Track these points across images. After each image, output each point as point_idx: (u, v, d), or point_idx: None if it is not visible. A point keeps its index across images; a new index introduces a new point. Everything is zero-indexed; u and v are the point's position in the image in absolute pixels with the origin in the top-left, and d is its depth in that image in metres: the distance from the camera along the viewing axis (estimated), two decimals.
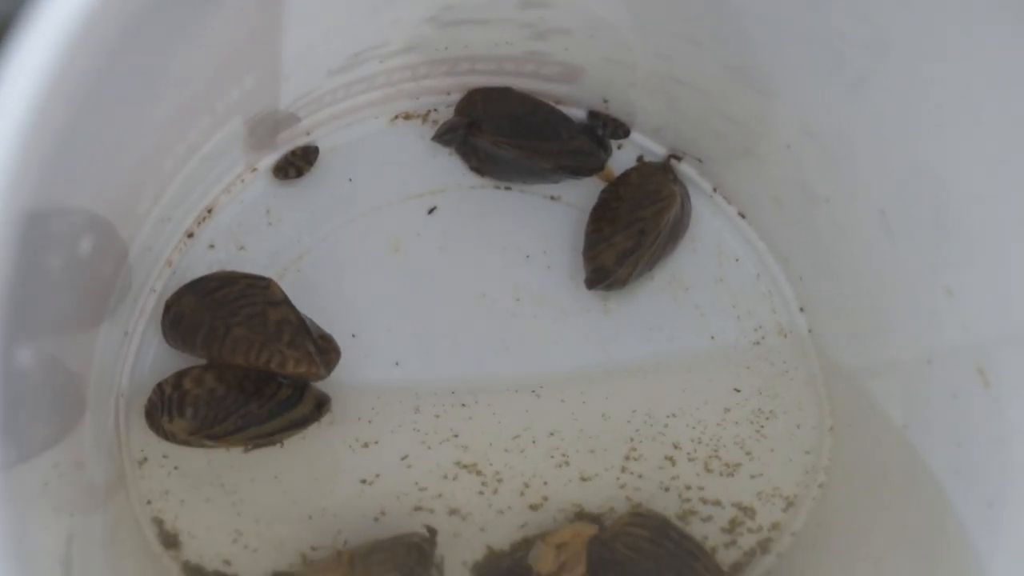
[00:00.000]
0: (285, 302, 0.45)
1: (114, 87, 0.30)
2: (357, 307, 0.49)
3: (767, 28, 0.39)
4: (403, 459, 0.48)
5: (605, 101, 0.49)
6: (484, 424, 0.49)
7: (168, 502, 0.47)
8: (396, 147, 0.50)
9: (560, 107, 0.50)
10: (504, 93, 0.49)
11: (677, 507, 0.49)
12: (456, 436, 0.49)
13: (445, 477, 0.49)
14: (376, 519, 0.48)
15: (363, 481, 0.48)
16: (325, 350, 0.46)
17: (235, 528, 0.48)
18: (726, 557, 0.50)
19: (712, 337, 0.50)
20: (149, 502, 0.47)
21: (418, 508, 0.48)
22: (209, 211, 0.48)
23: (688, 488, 0.49)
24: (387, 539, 0.47)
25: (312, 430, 0.48)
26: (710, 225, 0.51)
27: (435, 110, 0.50)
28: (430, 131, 0.49)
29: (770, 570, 0.50)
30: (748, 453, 0.50)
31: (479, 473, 0.49)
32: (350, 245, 0.49)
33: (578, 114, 0.50)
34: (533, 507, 0.49)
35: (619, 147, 0.51)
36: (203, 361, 0.46)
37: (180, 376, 0.46)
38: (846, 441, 0.49)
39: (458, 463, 0.49)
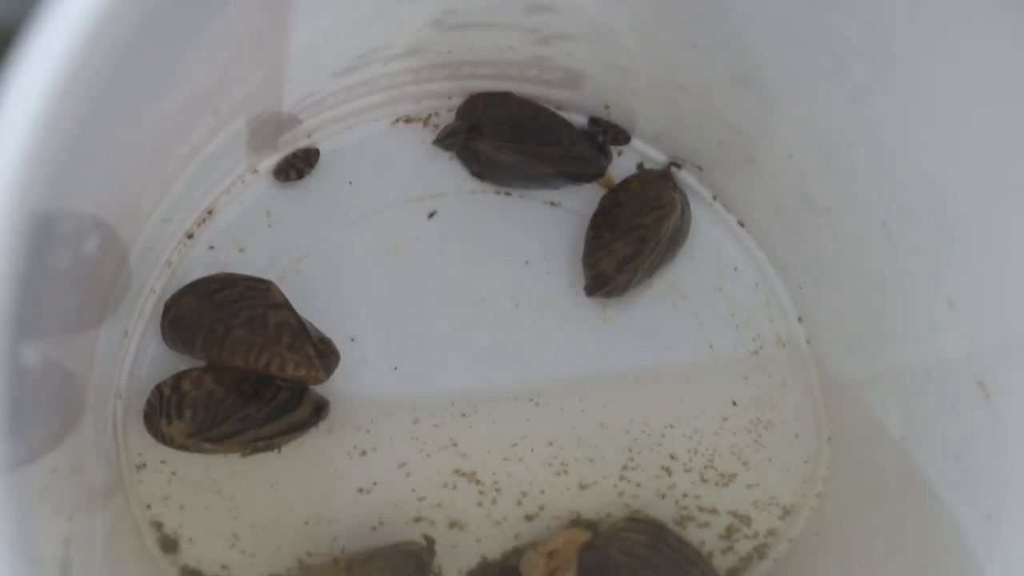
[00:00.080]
0: (285, 305, 0.45)
1: (124, 88, 0.30)
2: (356, 311, 0.49)
3: (770, 35, 0.39)
4: (401, 467, 0.48)
5: (606, 107, 0.49)
6: (483, 432, 0.49)
7: (167, 507, 0.47)
8: (397, 150, 0.50)
9: (561, 113, 0.50)
10: (505, 98, 0.49)
11: (674, 514, 0.49)
12: (455, 444, 0.49)
13: (444, 486, 0.49)
14: (374, 528, 0.48)
15: (360, 490, 0.48)
16: (324, 354, 0.45)
17: (232, 533, 0.48)
18: (723, 562, 0.50)
19: (711, 346, 0.50)
20: (148, 506, 0.47)
21: (418, 519, 0.48)
22: (209, 212, 0.48)
23: (685, 496, 0.49)
24: (385, 546, 0.47)
25: (310, 437, 0.48)
26: (710, 233, 0.51)
27: (436, 114, 0.50)
28: (431, 135, 0.49)
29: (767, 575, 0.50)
30: (745, 463, 0.50)
31: (478, 482, 0.49)
32: (350, 248, 0.49)
33: (579, 120, 0.50)
34: (529, 517, 0.49)
35: (619, 154, 0.51)
36: (202, 363, 0.46)
37: (179, 378, 0.45)
38: (844, 451, 0.49)
39: (457, 471, 0.49)
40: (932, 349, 0.42)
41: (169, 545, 0.47)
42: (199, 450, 0.46)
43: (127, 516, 0.47)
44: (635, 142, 0.51)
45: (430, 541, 0.48)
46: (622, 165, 0.51)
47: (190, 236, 0.48)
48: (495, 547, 0.49)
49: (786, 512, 0.50)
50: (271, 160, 0.48)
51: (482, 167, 0.49)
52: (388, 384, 0.49)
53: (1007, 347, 0.39)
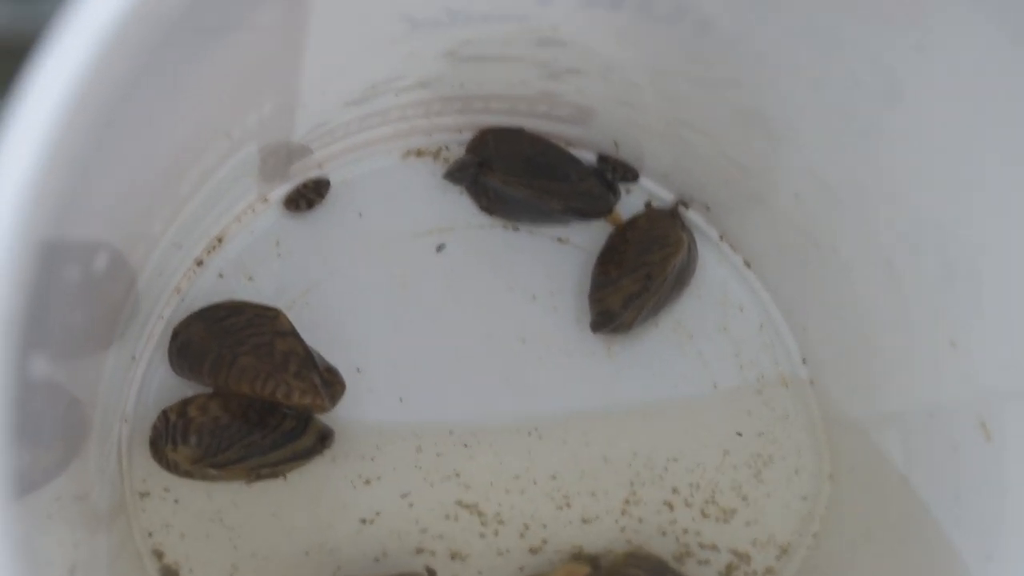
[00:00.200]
0: (293, 333, 0.45)
1: (138, 108, 0.30)
2: (363, 342, 0.49)
3: (779, 73, 0.40)
4: (404, 497, 0.48)
5: (616, 145, 0.49)
6: (486, 463, 0.49)
7: (168, 535, 0.47)
8: (407, 183, 0.50)
9: (570, 149, 0.50)
10: (515, 133, 0.49)
11: (674, 550, 0.49)
12: (458, 475, 0.49)
13: (447, 517, 0.49)
14: (376, 559, 0.48)
15: (363, 520, 0.48)
16: (330, 383, 0.46)
17: (232, 564, 0.47)
18: None
19: (714, 385, 0.50)
20: (150, 534, 0.47)
21: (420, 550, 0.48)
22: (219, 240, 0.48)
23: (685, 532, 0.49)
24: None
25: (314, 466, 0.48)
26: (716, 273, 0.51)
27: (447, 148, 0.50)
28: (441, 168, 0.50)
29: None
30: (744, 498, 0.50)
31: (480, 513, 0.49)
32: (358, 279, 0.49)
33: (588, 157, 0.50)
34: (533, 550, 0.49)
35: (627, 192, 0.51)
36: (208, 390, 0.46)
37: (185, 404, 0.46)
38: (845, 489, 0.49)
39: (459, 502, 0.49)
40: (935, 389, 0.42)
41: (170, 574, 0.47)
42: (204, 477, 0.46)
43: (129, 543, 0.47)
44: (643, 180, 0.51)
45: (431, 572, 0.48)
46: (630, 203, 0.51)
47: (200, 263, 0.48)
48: None
49: (783, 551, 0.49)
50: (282, 189, 0.49)
51: (491, 202, 0.49)
52: (393, 415, 0.49)
53: (1009, 388, 0.39)
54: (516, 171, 0.48)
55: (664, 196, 0.51)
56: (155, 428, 0.46)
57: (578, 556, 0.49)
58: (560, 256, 0.50)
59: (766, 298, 0.51)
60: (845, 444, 0.49)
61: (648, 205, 0.51)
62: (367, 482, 0.48)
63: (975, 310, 0.39)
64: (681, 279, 0.49)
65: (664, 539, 0.49)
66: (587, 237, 0.50)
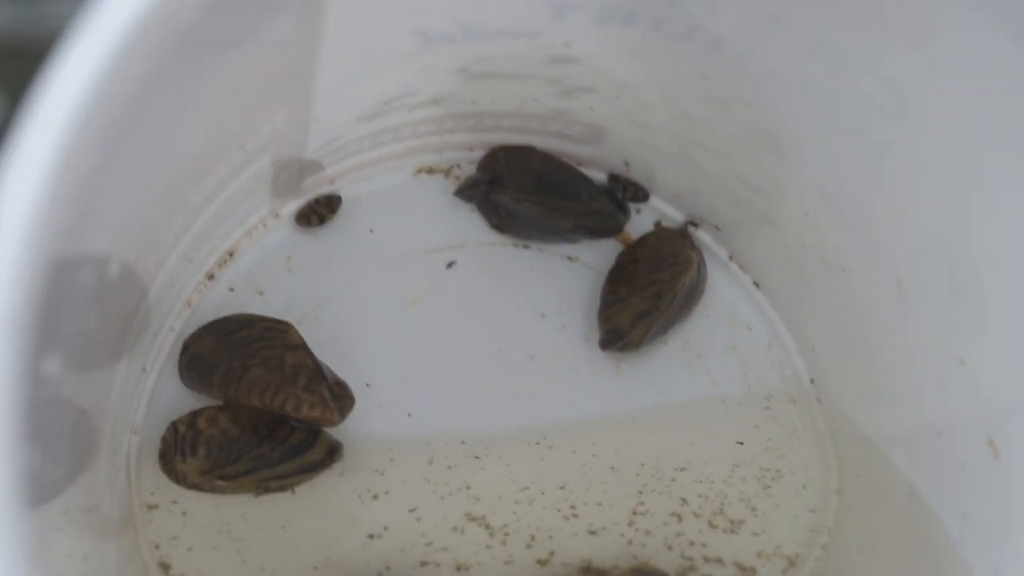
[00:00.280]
0: (303, 347, 0.46)
1: (152, 117, 0.31)
2: (373, 357, 0.49)
3: (790, 92, 0.40)
4: (412, 511, 0.48)
5: (627, 164, 0.50)
6: (495, 475, 0.49)
7: (176, 548, 0.47)
8: (418, 200, 0.50)
9: (581, 168, 0.50)
10: (527, 152, 0.49)
11: (679, 565, 0.49)
12: (468, 487, 0.49)
13: (454, 529, 0.49)
14: (380, 574, 0.48)
15: (371, 535, 0.48)
16: (340, 396, 0.46)
17: None
18: None
19: (723, 402, 0.50)
20: (157, 547, 0.47)
21: (424, 563, 0.48)
22: (231, 254, 0.48)
23: (692, 545, 0.49)
24: None
25: (323, 480, 0.48)
26: (725, 293, 0.51)
27: (458, 166, 0.50)
28: (452, 186, 0.50)
29: None
30: (753, 509, 0.50)
31: (487, 526, 0.49)
32: (368, 295, 0.49)
33: (599, 177, 0.51)
34: (540, 562, 0.49)
35: (638, 211, 0.51)
36: (218, 402, 0.46)
37: (194, 416, 0.46)
38: (853, 504, 0.49)
39: (468, 515, 0.49)
40: (943, 407, 0.42)
41: None
42: (212, 489, 0.46)
43: (136, 555, 0.47)
44: (654, 200, 0.51)
45: None
46: (640, 223, 0.51)
47: (211, 277, 0.48)
48: None
49: (791, 563, 0.49)
50: (294, 205, 0.49)
51: (502, 219, 0.50)
52: (402, 430, 0.49)
53: (1017, 406, 0.39)
54: (527, 189, 0.49)
55: (674, 216, 0.51)
56: (164, 440, 0.46)
57: (587, 570, 0.49)
58: (570, 274, 0.51)
59: (775, 318, 0.51)
60: (853, 461, 0.49)
61: (658, 225, 0.51)
62: (375, 496, 0.48)
63: (983, 327, 0.39)
64: (690, 298, 0.50)
65: (670, 553, 0.49)
66: (597, 256, 0.51)
